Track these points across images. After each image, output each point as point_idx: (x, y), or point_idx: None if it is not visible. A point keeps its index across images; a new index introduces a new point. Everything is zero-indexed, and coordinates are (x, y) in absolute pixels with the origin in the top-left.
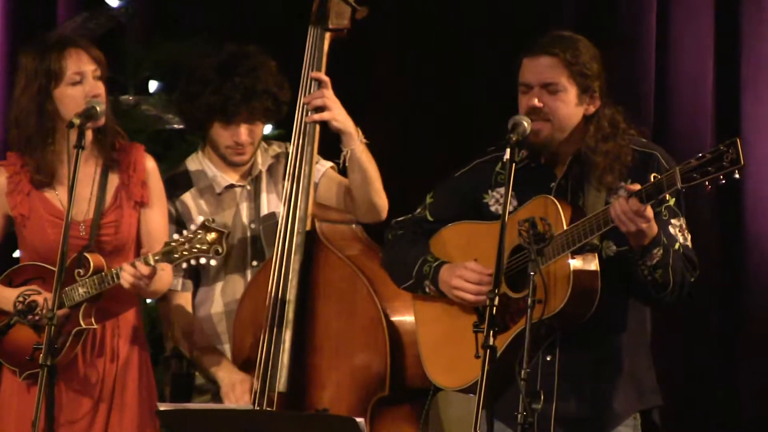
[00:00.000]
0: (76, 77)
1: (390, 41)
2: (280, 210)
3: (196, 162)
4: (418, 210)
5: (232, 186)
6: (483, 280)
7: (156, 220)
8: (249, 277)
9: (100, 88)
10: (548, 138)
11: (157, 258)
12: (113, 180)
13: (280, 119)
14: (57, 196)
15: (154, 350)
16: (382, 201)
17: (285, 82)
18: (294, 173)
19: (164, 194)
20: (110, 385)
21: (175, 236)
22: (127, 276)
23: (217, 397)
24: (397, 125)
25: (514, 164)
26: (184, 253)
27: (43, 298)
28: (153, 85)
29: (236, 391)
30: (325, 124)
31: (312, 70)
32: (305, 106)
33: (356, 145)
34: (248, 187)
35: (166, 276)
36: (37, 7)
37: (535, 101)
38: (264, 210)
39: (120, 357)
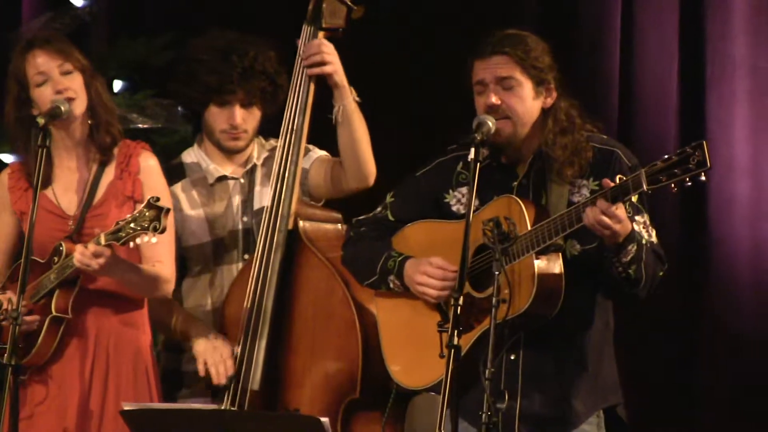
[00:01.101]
0: (38, 78)
1: (354, 40)
2: None
3: (191, 154)
4: (379, 209)
5: (225, 177)
6: (447, 276)
7: None
8: None
9: (68, 82)
10: (511, 135)
11: (108, 237)
12: (108, 175)
13: (276, 108)
14: (52, 192)
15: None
16: (369, 165)
17: (284, 71)
18: (279, 171)
19: (166, 192)
20: (102, 381)
21: (128, 216)
22: (77, 255)
23: (205, 391)
24: None
25: (478, 164)
26: (129, 231)
27: (7, 297)
28: (117, 85)
29: (216, 353)
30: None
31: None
32: (294, 106)
33: (349, 101)
34: (242, 180)
35: (159, 271)
36: (1, 8)
37: (493, 99)
38: (257, 203)
39: (116, 355)
